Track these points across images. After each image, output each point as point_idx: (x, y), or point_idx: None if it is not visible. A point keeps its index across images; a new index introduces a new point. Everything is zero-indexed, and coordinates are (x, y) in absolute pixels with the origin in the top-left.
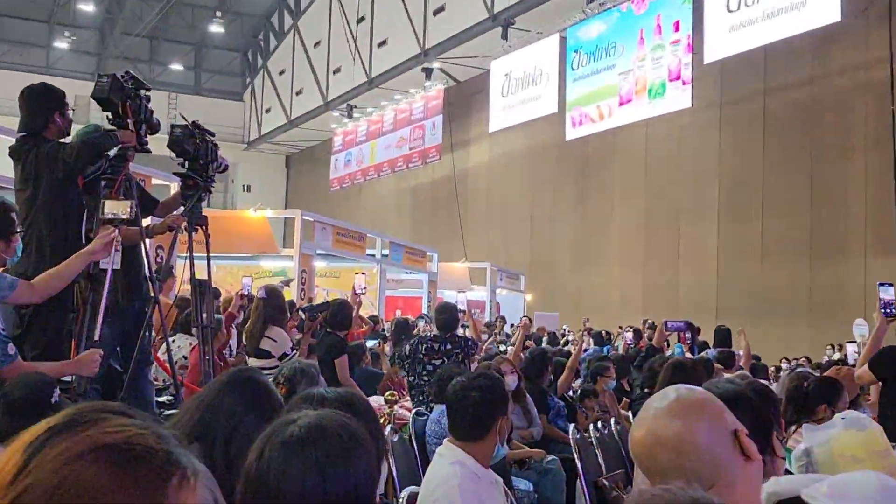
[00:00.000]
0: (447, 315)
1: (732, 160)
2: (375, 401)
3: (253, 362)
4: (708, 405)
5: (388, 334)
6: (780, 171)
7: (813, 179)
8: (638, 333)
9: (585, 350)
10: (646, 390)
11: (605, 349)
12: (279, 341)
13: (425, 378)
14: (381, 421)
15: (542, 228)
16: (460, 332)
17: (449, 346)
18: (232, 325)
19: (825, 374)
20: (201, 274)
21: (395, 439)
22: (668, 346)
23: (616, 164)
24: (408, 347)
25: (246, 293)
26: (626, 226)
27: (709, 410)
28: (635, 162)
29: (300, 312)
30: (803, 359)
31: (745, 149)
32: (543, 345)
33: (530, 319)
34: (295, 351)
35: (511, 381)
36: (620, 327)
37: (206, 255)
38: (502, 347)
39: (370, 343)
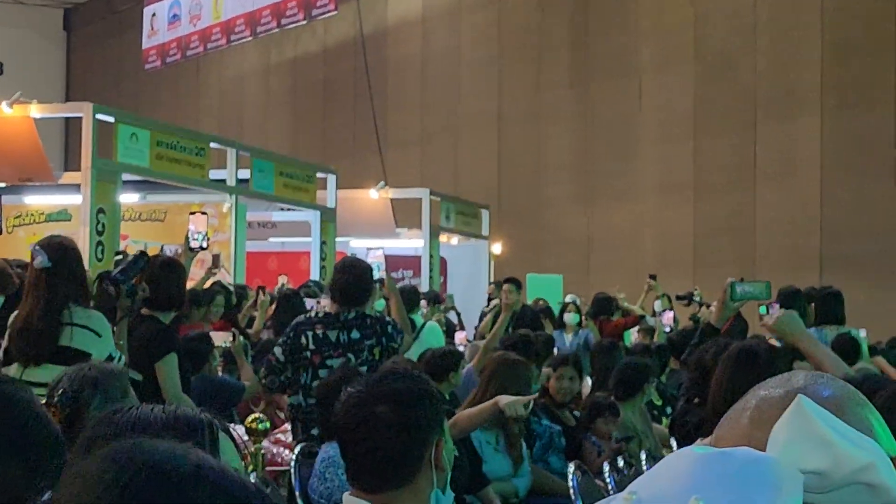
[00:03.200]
0: (351, 278)
1: None
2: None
3: (43, 372)
4: (853, 402)
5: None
6: None
7: None
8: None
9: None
10: (695, 400)
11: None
12: (103, 333)
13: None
14: (244, 463)
15: (518, 130)
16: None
17: (357, 335)
18: None
19: None
20: None
21: None
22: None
23: (645, 6)
24: (279, 350)
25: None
26: (665, 121)
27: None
28: (679, 1)
29: (106, 283)
30: None
31: None
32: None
33: (514, 284)
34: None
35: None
36: (650, 280)
37: None
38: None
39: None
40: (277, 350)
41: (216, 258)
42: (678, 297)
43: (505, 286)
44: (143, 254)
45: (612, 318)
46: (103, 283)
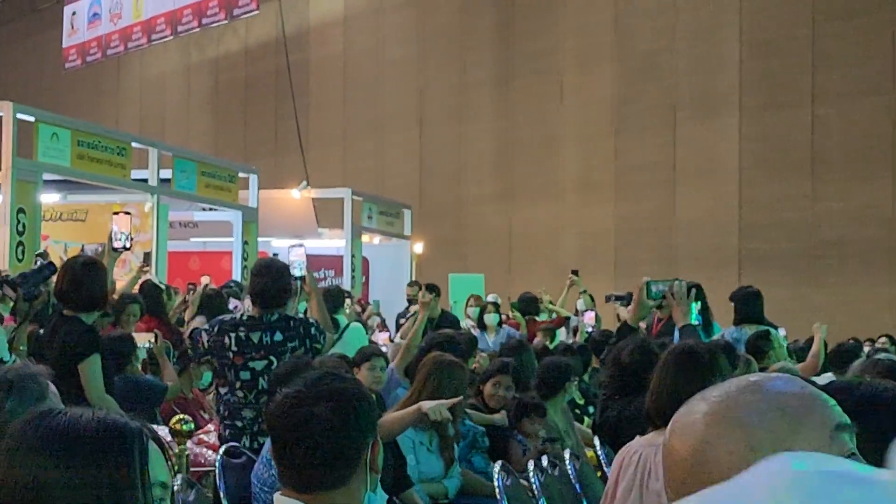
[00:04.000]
0: (268, 281)
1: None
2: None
3: None
4: (815, 405)
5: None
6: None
7: None
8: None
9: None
10: (616, 397)
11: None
12: None
13: (240, 393)
14: (171, 464)
15: (440, 130)
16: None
17: (280, 337)
18: None
19: None
20: None
21: (192, 498)
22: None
23: (568, 5)
24: (205, 335)
25: None
26: (586, 120)
27: (816, 413)
28: (602, 1)
29: (4, 286)
30: (883, 339)
31: None
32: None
33: (433, 290)
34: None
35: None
36: (572, 275)
37: None
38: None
39: (144, 337)
40: (203, 336)
41: (147, 257)
42: (616, 298)
43: (422, 294)
44: (50, 263)
45: (538, 317)
46: (1, 286)
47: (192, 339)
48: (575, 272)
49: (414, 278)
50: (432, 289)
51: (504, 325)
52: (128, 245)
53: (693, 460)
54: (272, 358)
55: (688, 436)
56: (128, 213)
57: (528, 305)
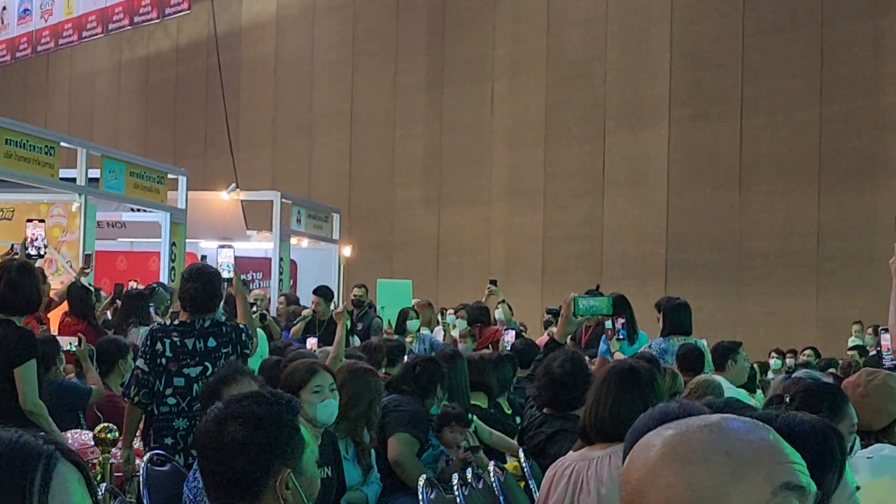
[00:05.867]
0: (199, 286)
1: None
2: (78, 438)
3: None
4: (768, 458)
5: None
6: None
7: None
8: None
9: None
10: (544, 410)
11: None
12: None
13: (172, 401)
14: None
15: (370, 134)
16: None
17: (213, 343)
18: None
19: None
20: None
21: None
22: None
23: (500, 13)
24: (141, 350)
25: None
26: (516, 128)
27: (765, 466)
28: (534, 10)
29: None
30: (808, 351)
31: None
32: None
33: (323, 297)
34: None
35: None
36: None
37: None
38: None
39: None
40: (140, 362)
41: (87, 259)
42: (548, 311)
43: (314, 298)
44: None
45: (488, 325)
46: None
47: (133, 381)
48: (493, 282)
49: (341, 282)
50: (322, 294)
51: (426, 332)
52: (43, 253)
53: (637, 486)
54: (207, 364)
55: (640, 462)
56: (42, 220)
57: (480, 313)
